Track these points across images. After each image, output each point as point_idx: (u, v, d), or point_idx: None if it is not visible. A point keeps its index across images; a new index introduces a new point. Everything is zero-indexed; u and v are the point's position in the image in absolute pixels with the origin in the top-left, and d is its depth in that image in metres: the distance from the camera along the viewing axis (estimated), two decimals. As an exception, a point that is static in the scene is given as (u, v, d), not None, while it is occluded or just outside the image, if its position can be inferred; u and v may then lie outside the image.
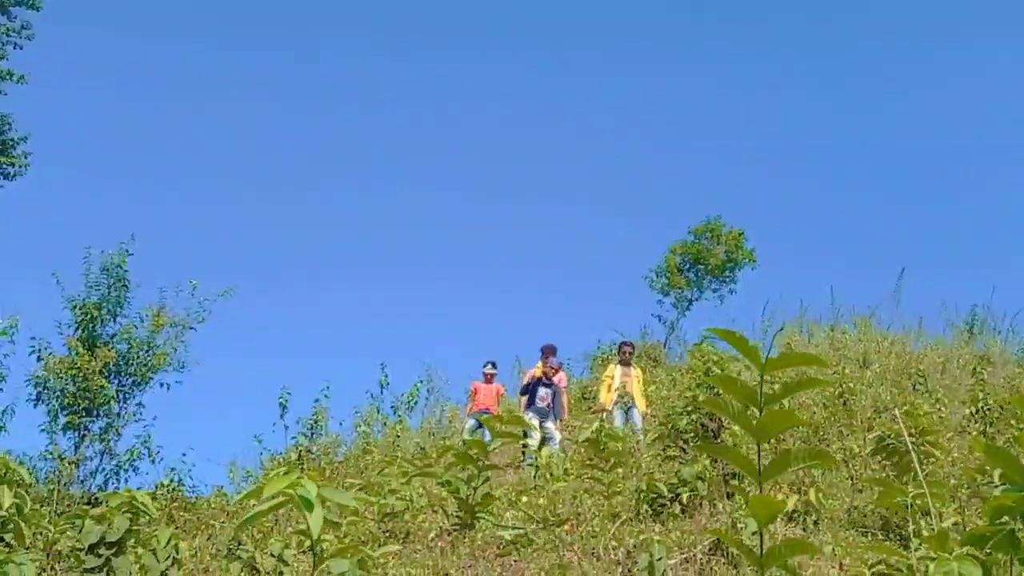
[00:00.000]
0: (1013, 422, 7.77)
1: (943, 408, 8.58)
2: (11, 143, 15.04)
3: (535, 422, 10.07)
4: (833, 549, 5.46)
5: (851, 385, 8.94)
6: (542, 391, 10.99)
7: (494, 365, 12.24)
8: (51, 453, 9.53)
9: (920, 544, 3.70)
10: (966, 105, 34.50)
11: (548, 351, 11.54)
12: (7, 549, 4.57)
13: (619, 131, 36.92)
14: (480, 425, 10.39)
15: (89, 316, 10.10)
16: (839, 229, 33.09)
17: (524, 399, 11.14)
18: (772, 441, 7.72)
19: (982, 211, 32.10)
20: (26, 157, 15.14)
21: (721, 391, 3.44)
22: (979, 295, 20.85)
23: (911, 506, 4.44)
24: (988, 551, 3.81)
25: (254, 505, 7.24)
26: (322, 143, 35.88)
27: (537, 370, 11.24)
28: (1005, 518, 3.30)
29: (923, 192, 33.74)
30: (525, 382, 11.50)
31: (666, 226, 39.04)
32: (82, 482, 9.78)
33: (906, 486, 4.67)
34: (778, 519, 6.09)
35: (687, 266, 16.94)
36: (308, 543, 5.39)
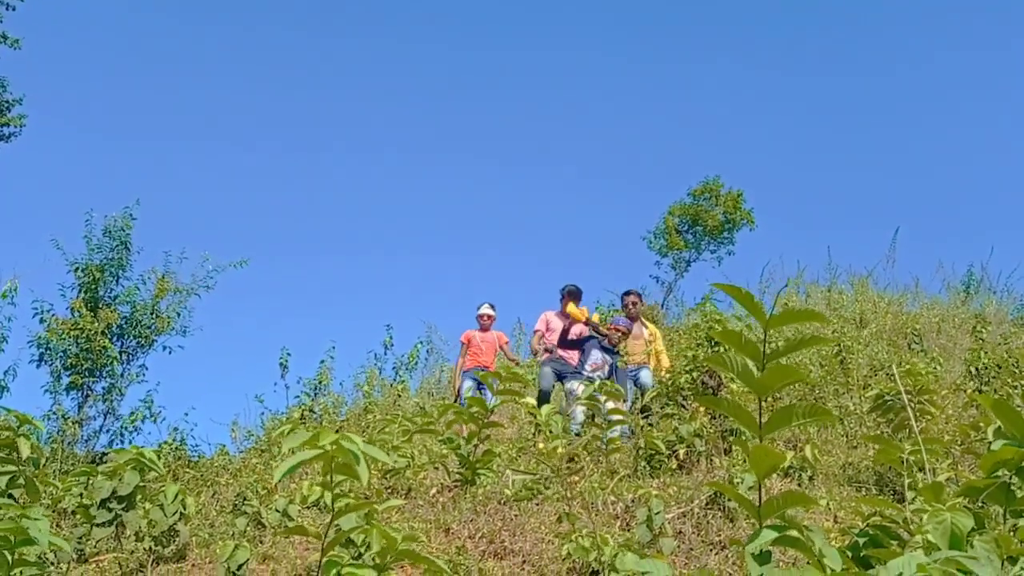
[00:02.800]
0: (1009, 380, 7.86)
1: (939, 367, 8.65)
2: (6, 105, 14.92)
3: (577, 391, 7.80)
4: (828, 504, 5.56)
5: (848, 344, 9.01)
6: (595, 354, 8.40)
7: (492, 307, 9.94)
8: (55, 413, 9.62)
9: (915, 497, 3.78)
10: (963, 67, 34.24)
11: (573, 295, 9.18)
12: (19, 505, 4.63)
13: (617, 94, 36.65)
14: (480, 385, 8.79)
15: (92, 278, 10.13)
16: (837, 190, 33.04)
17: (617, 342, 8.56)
18: (769, 400, 7.80)
19: (980, 172, 32.02)
20: (22, 119, 15.04)
21: (723, 347, 3.50)
22: (976, 255, 20.92)
23: (906, 462, 4.52)
24: (982, 503, 3.91)
25: (269, 463, 7.35)
26: (327, 109, 35.62)
27: (579, 313, 8.78)
28: (1000, 471, 3.38)
29: (921, 153, 33.62)
30: (561, 328, 8.87)
31: (665, 188, 38.95)
32: (86, 441, 9.89)
33: (902, 443, 4.76)
34: (774, 475, 6.20)
35: (685, 227, 16.95)
36: (313, 498, 5.50)
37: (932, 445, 4.27)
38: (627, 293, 9.42)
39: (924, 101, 34.11)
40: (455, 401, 9.13)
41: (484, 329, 9.86)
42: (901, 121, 34.07)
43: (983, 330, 10.20)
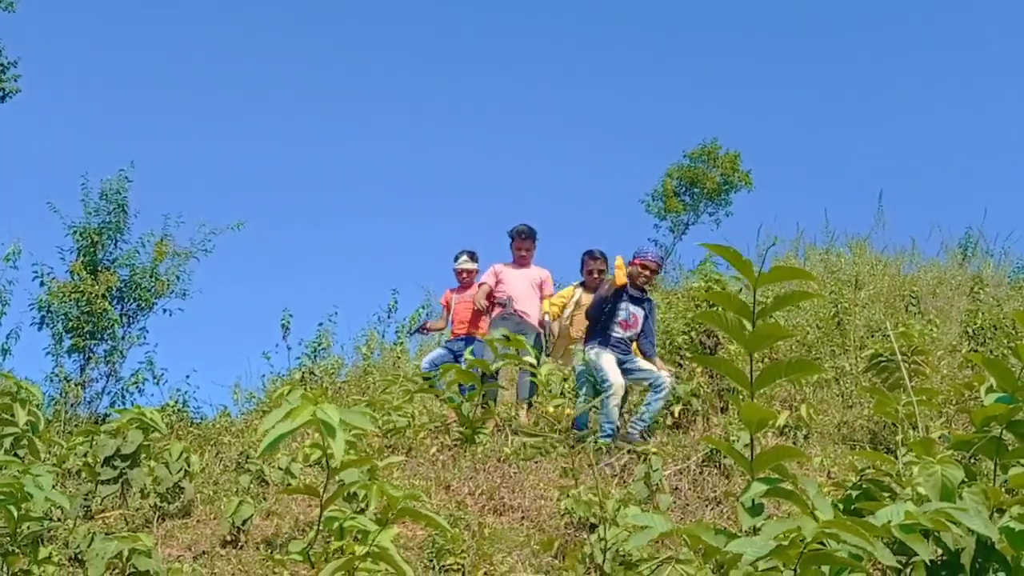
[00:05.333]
0: (1005, 340, 7.91)
1: (935, 329, 8.71)
2: (1, 68, 14.79)
3: (610, 363, 6.30)
4: (822, 460, 5.65)
5: (845, 306, 9.06)
6: (628, 307, 6.52)
7: (472, 257, 7.89)
8: (57, 375, 9.70)
9: (907, 452, 3.84)
10: (959, 28, 33.94)
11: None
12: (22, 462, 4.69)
13: (614, 59, 36.35)
14: (456, 357, 7.39)
15: (90, 241, 10.15)
16: (834, 151, 32.94)
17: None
18: (766, 361, 7.86)
19: (973, 134, 31.90)
20: (16, 80, 14.93)
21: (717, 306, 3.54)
22: (972, 218, 20.92)
23: (900, 421, 4.59)
24: (973, 457, 3.97)
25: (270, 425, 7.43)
26: (331, 72, 35.34)
27: (619, 276, 6.55)
28: (991, 425, 3.44)
29: (917, 114, 33.45)
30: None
31: (663, 152, 38.77)
32: (89, 403, 9.98)
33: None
34: (769, 434, 6.28)
35: (683, 190, 16.93)
36: (315, 457, 5.57)
37: (925, 398, 4.32)
38: (594, 256, 7.31)
39: (920, 64, 33.88)
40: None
41: (464, 286, 7.76)
42: (897, 84, 33.88)
43: (980, 291, 10.23)
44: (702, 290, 7.65)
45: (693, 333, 7.30)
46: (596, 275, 7.25)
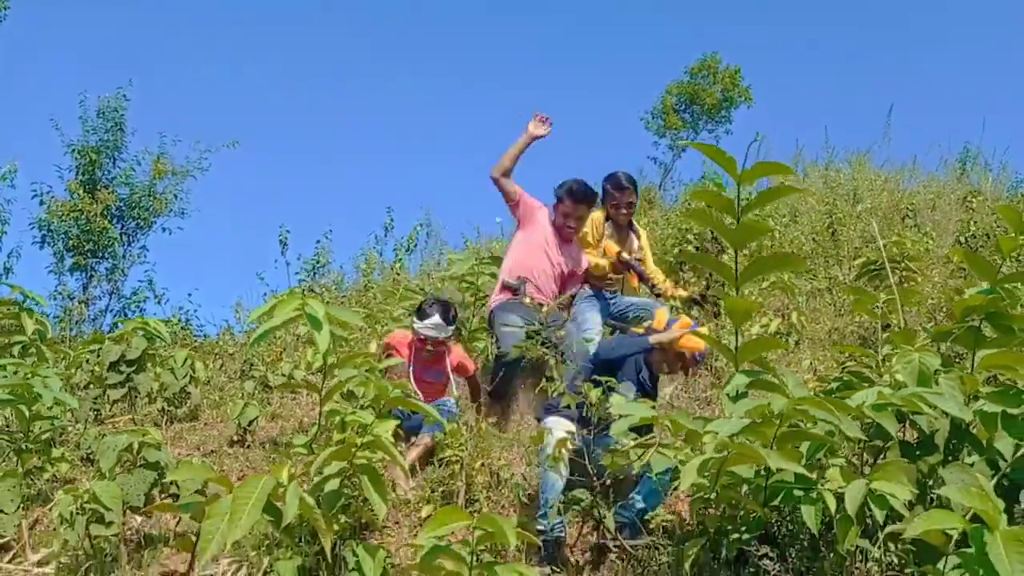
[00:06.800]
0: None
1: (931, 241, 8.77)
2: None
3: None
4: (811, 363, 5.78)
5: (840, 217, 9.11)
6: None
7: (446, 316, 4.92)
8: (60, 293, 9.84)
9: (889, 347, 3.93)
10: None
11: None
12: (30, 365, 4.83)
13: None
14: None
15: (89, 160, 10.17)
16: (835, 66, 32.43)
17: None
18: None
19: (973, 47, 31.33)
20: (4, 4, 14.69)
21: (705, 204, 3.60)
22: (971, 132, 20.75)
23: (884, 319, 4.69)
24: (954, 350, 4.08)
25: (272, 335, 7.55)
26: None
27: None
28: (971, 316, 3.54)
29: (923, 27, 32.79)
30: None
31: (662, 68, 38.19)
32: (93, 321, 10.14)
33: (886, 305, 4.92)
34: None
35: (683, 107, 16.77)
36: (317, 365, 5.71)
37: (911, 298, 4.41)
38: (618, 187, 5.61)
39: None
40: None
41: (420, 347, 4.97)
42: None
43: (973, 201, 10.26)
44: (692, 193, 7.66)
45: (686, 244, 7.35)
46: (625, 209, 5.63)
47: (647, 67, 32.40)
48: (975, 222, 8.70)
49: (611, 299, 5.61)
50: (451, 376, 5.02)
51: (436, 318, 4.87)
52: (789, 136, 29.53)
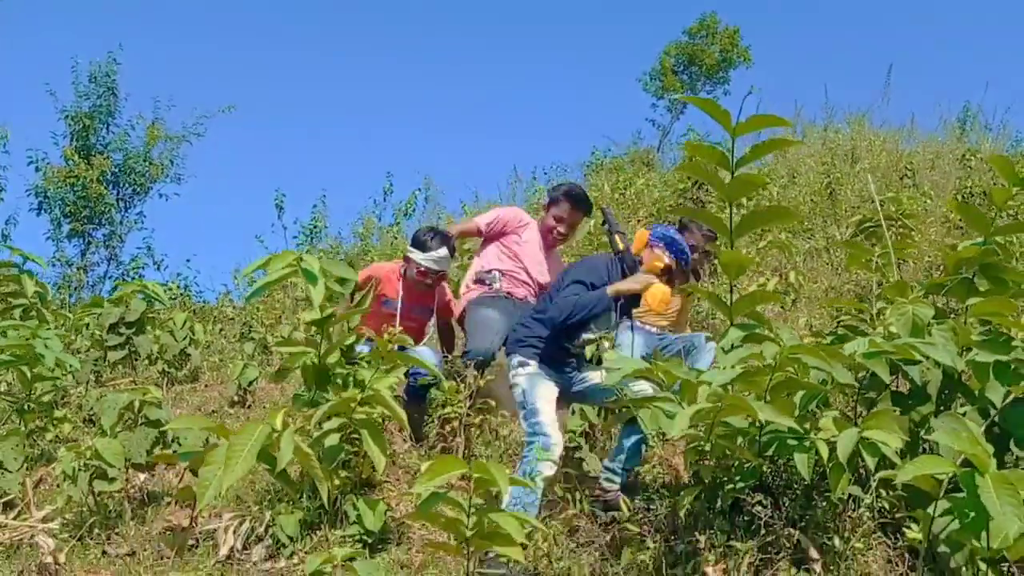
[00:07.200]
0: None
1: (929, 201, 8.76)
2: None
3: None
4: (807, 320, 5.81)
5: (838, 176, 9.11)
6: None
7: (445, 241, 4.58)
8: (58, 259, 9.86)
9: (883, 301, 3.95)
10: None
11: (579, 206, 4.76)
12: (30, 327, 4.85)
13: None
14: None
15: (82, 125, 10.12)
16: (835, 26, 32.12)
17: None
18: (758, 232, 7.96)
19: (981, 4, 31.02)
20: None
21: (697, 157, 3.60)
22: (973, 93, 20.60)
23: (878, 273, 4.70)
24: (948, 303, 4.10)
25: (272, 298, 7.57)
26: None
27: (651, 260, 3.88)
28: (963, 269, 3.56)
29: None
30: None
31: (661, 29, 37.85)
32: (92, 287, 10.17)
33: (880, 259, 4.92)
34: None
35: (681, 68, 16.65)
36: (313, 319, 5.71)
37: (905, 249, 4.41)
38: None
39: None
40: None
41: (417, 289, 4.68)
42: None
43: (971, 159, 10.25)
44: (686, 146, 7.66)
45: (682, 202, 7.36)
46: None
47: (645, 28, 32.07)
48: (972, 180, 8.68)
49: (659, 335, 4.75)
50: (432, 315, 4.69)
51: (443, 251, 4.51)
52: (788, 97, 29.32)
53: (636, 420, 3.34)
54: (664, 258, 3.76)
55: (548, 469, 3.38)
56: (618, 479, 3.49)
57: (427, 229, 4.72)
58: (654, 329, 4.77)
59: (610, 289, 3.64)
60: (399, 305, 4.55)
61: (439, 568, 3.24)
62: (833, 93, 20.50)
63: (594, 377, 3.64)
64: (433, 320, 4.76)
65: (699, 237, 4.73)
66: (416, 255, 4.53)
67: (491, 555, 3.04)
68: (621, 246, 3.86)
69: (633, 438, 3.47)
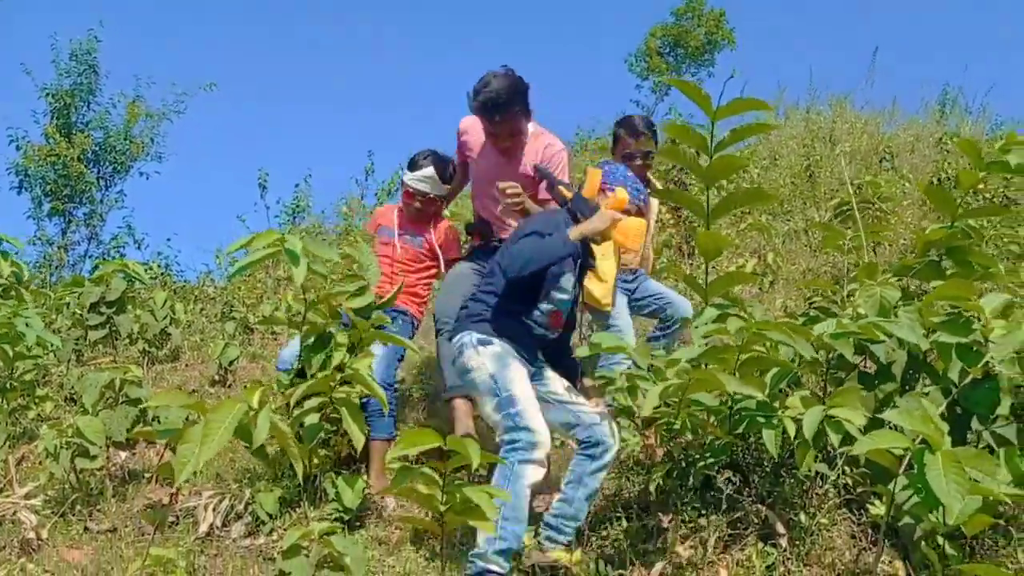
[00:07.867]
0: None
1: (908, 184, 8.85)
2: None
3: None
4: (784, 303, 5.90)
5: (818, 159, 9.18)
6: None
7: (447, 171, 4.26)
8: (39, 238, 9.81)
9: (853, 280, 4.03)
10: None
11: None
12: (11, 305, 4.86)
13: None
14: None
15: (63, 103, 10.05)
16: (821, 9, 32.13)
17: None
18: (737, 213, 8.04)
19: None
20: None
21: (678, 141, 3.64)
22: (954, 76, 20.71)
23: (852, 254, 4.78)
24: (917, 282, 4.18)
25: (254, 278, 7.57)
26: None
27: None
28: (931, 251, 3.64)
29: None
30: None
31: (647, 10, 37.76)
32: (72, 267, 10.14)
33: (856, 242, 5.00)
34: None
35: (667, 49, 16.66)
36: (299, 306, 5.75)
37: (878, 232, 4.49)
38: (636, 131, 4.39)
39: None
40: None
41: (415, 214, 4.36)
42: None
43: (948, 142, 10.35)
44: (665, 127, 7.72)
45: (664, 184, 7.41)
46: (640, 161, 4.35)
47: (632, 9, 32.00)
48: (949, 163, 8.78)
49: (631, 281, 4.39)
50: (438, 251, 4.25)
51: (430, 170, 4.15)
52: (772, 80, 29.43)
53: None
54: (626, 198, 3.33)
55: (534, 474, 2.88)
56: (562, 538, 2.99)
57: (427, 151, 4.27)
58: (626, 275, 4.32)
59: (573, 232, 3.14)
60: (394, 232, 4.25)
61: (417, 545, 3.31)
62: (818, 74, 20.60)
63: (563, 394, 3.18)
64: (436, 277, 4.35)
65: (642, 145, 4.29)
66: (406, 175, 4.22)
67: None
68: (568, 195, 3.40)
69: (590, 486, 3.00)
